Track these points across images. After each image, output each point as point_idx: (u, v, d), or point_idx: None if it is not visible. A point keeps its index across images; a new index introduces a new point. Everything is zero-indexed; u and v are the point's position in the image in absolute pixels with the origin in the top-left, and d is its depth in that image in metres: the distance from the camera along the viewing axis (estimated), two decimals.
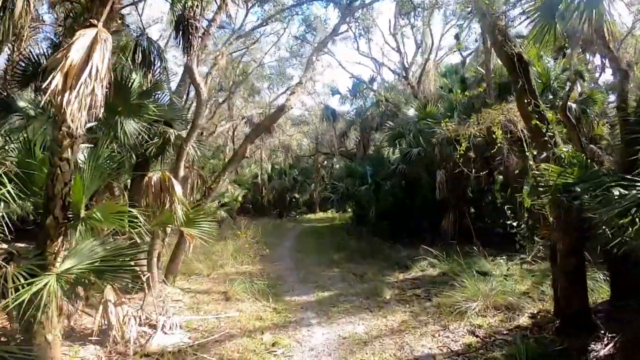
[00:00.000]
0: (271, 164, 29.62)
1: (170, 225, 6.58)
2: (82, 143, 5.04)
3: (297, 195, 30.55)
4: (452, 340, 5.69)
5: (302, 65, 28.90)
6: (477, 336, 5.78)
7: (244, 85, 27.18)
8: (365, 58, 38.80)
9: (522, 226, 10.88)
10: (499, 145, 7.86)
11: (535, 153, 5.83)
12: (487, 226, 14.34)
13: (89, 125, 4.73)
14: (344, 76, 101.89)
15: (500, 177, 14.48)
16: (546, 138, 5.54)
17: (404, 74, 22.75)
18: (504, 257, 10.19)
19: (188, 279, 9.49)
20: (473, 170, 9.04)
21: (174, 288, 8.21)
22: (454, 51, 25.02)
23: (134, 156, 8.12)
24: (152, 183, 6.36)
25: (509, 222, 10.78)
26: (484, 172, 8.88)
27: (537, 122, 5.62)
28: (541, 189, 5.24)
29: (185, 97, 13.80)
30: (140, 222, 5.16)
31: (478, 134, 8.51)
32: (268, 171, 28.12)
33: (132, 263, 4.84)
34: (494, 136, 7.85)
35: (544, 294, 7.25)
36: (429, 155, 13.49)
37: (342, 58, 62.51)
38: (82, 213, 4.62)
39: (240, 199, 25.12)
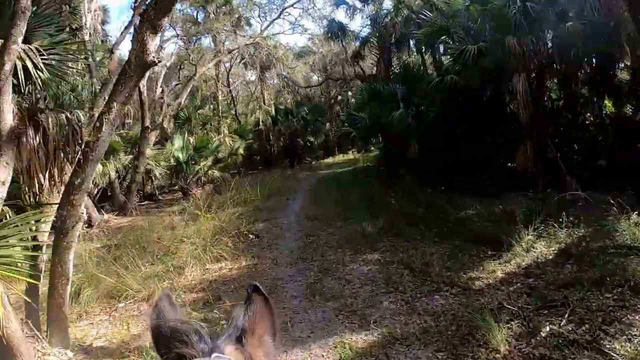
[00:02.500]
0: (274, 105, 24.69)
1: None
2: None
3: (310, 139, 25.84)
4: None
5: None
6: None
7: (228, 17, 21.88)
8: None
9: None
10: None
11: None
12: (581, 159, 9.71)
13: None
14: None
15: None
16: None
17: None
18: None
19: (110, 310, 5.31)
20: None
21: (56, 350, 3.96)
22: None
23: None
24: None
25: None
26: None
27: None
28: None
29: None
30: None
31: None
32: (272, 114, 23.35)
33: None
34: None
35: None
36: (495, 53, 8.59)
37: None
38: None
39: (241, 151, 20.70)
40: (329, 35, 18.83)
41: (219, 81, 22.29)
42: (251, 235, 8.08)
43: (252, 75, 30.98)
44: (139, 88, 13.34)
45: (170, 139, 16.93)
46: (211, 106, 22.70)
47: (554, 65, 9.15)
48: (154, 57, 3.68)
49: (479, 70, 9.03)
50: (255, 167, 24.42)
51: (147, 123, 13.81)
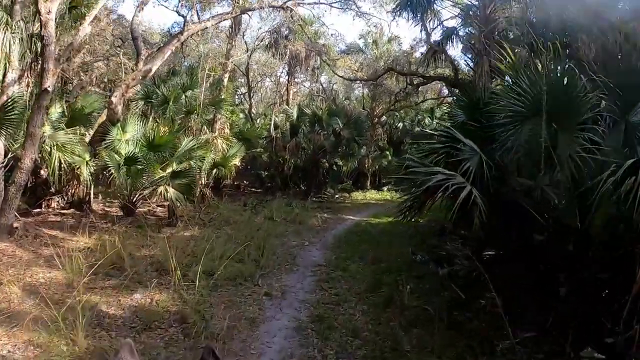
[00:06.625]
0: (297, 106, 17.83)
1: None
2: None
3: (339, 162, 18.81)
4: None
5: None
6: None
7: None
8: None
9: None
10: None
11: None
12: None
13: None
14: None
15: None
16: None
17: None
18: None
19: None
20: None
21: None
22: None
23: None
24: None
25: None
26: None
27: None
28: None
29: None
30: None
31: None
32: (292, 117, 16.60)
33: None
34: None
35: None
36: None
37: None
38: None
39: (236, 162, 13.82)
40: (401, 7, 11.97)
41: (228, 59, 15.66)
42: None
43: (284, 69, 24.48)
44: (41, 18, 6.85)
45: (119, 124, 10.35)
46: (214, 92, 15.87)
47: None
48: None
49: None
50: (260, 186, 17.78)
51: (48, 84, 7.21)
